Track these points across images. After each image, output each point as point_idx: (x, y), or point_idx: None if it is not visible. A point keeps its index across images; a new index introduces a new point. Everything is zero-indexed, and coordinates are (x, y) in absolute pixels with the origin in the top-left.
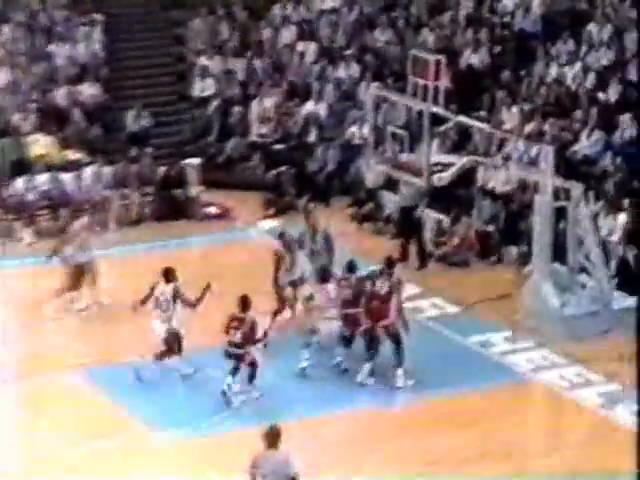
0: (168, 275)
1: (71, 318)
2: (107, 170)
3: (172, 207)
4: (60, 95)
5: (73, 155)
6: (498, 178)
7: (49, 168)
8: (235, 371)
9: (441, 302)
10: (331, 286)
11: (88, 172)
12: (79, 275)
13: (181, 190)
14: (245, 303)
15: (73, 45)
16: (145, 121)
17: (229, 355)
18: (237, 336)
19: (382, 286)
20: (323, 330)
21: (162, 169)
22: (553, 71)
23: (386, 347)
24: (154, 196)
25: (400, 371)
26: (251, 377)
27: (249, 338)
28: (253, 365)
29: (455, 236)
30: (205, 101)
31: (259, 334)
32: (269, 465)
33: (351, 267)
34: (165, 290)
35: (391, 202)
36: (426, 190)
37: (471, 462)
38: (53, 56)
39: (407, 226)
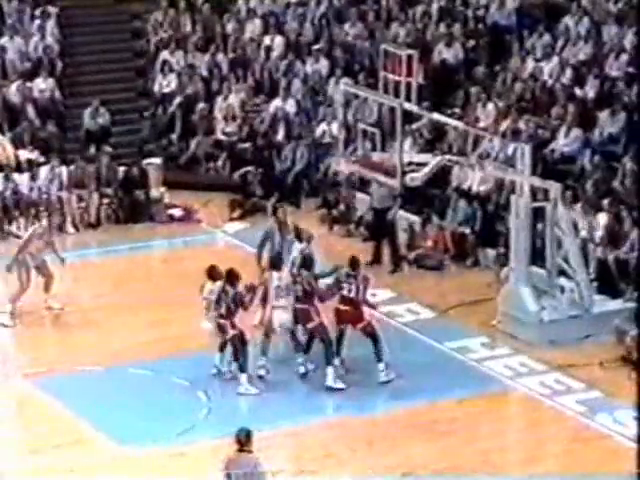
0: (213, 274)
1: (23, 325)
2: (63, 170)
3: (133, 209)
4: (12, 91)
5: (26, 154)
6: (474, 178)
7: (1, 168)
8: (222, 348)
9: (416, 307)
10: (277, 275)
11: (43, 172)
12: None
13: (142, 191)
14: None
15: (25, 38)
16: (103, 119)
17: (218, 326)
18: (222, 309)
19: (350, 289)
20: (275, 321)
21: (122, 169)
22: (529, 66)
23: (354, 346)
24: (113, 198)
25: (382, 365)
26: (235, 354)
27: (232, 312)
28: (236, 341)
29: (429, 238)
30: (167, 98)
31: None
32: (239, 468)
33: (305, 263)
34: (213, 289)
35: (362, 204)
36: (399, 191)
37: (448, 472)
38: (4, 50)
39: (380, 228)
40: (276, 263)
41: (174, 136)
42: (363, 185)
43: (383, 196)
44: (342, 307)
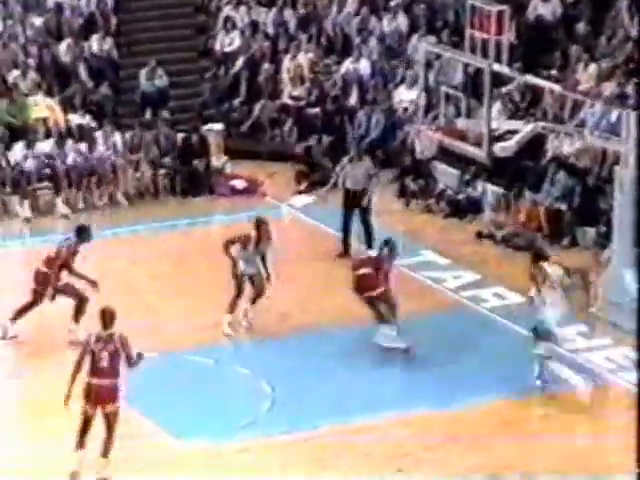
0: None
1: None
2: (117, 137)
3: (192, 180)
4: (63, 50)
5: (78, 119)
6: (572, 148)
7: (50, 134)
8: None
9: (504, 291)
10: None
11: (96, 139)
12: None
13: (202, 160)
14: None
15: None
16: (160, 80)
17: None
18: None
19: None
20: None
21: (180, 136)
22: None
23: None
24: (171, 167)
25: (385, 328)
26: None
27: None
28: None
29: (520, 214)
30: (229, 58)
31: None
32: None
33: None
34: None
35: (444, 176)
36: (486, 162)
37: (540, 474)
38: (54, 5)
39: (349, 215)
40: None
41: (237, 100)
42: (446, 156)
43: (357, 176)
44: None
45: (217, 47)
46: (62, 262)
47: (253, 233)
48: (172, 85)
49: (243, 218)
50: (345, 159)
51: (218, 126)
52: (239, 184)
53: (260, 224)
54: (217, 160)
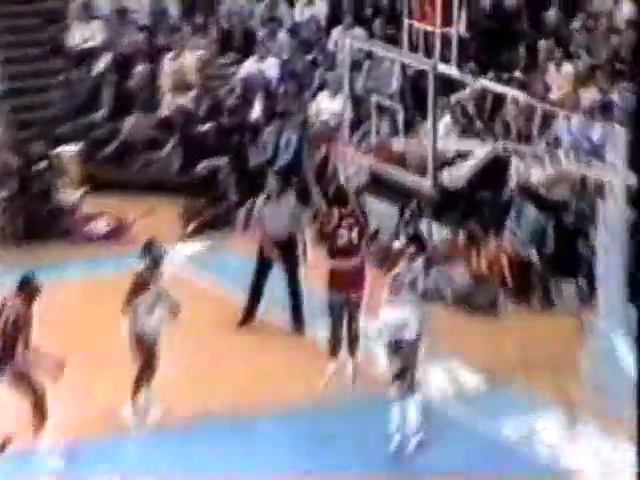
0: None
1: None
2: None
3: (35, 221)
4: None
5: None
6: (542, 175)
7: None
8: None
9: (458, 369)
10: None
11: None
12: None
13: (51, 194)
14: None
15: None
16: None
17: None
18: None
19: None
20: None
21: (21, 162)
22: (625, 9)
23: None
24: (9, 203)
25: None
26: None
27: None
28: None
29: (477, 264)
30: (89, 56)
31: None
32: None
33: None
34: None
35: (378, 213)
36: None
37: None
38: None
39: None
40: None
41: (99, 113)
42: (379, 186)
43: (278, 218)
44: None
45: (72, 41)
46: None
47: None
48: (11, 93)
49: (106, 273)
50: (261, 197)
51: (73, 147)
52: (101, 226)
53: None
54: (71, 194)
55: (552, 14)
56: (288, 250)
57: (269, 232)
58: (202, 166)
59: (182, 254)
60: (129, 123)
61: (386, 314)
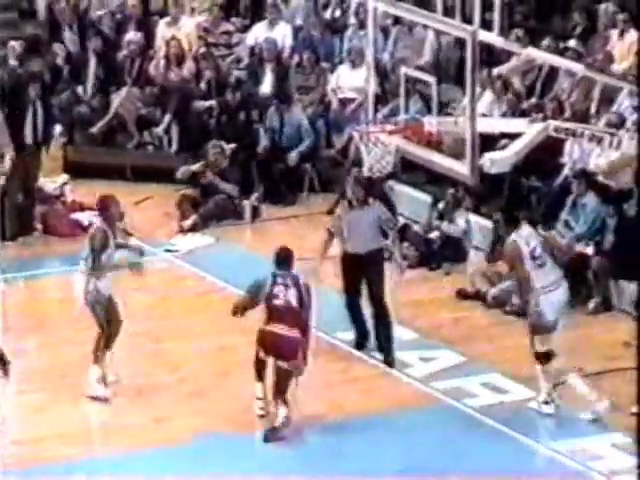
0: None
1: None
2: None
3: (11, 213)
4: None
5: None
6: (602, 160)
7: None
8: None
9: (499, 380)
10: None
11: None
12: None
13: (27, 182)
14: None
15: None
16: None
17: None
18: None
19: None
20: None
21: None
22: None
23: None
24: None
25: None
26: None
27: None
28: None
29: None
30: (65, 20)
31: None
32: None
33: None
34: None
35: (408, 203)
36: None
37: None
38: None
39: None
40: None
41: (83, 87)
42: (409, 172)
43: (360, 230)
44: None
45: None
46: None
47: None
48: None
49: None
50: (342, 204)
51: (56, 128)
52: (85, 217)
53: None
54: (50, 181)
55: None
56: (371, 267)
57: (348, 248)
58: (181, 171)
59: (181, 248)
60: (118, 98)
61: None
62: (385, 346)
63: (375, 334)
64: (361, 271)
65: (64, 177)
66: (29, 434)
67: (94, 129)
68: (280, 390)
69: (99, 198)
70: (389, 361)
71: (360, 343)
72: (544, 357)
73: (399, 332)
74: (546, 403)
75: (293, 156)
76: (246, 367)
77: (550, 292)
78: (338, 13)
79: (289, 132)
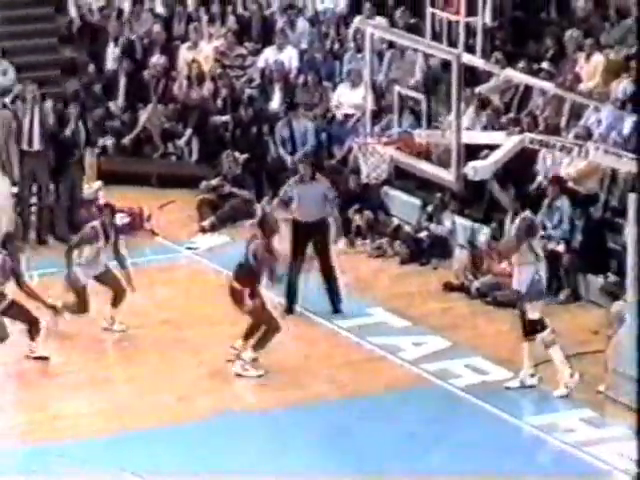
0: None
1: None
2: None
3: (64, 214)
4: None
5: None
6: (571, 168)
7: None
8: None
9: (482, 363)
10: None
11: None
12: None
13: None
14: None
15: None
16: (4, 78)
17: None
18: None
19: None
20: None
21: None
22: None
23: None
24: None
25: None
26: None
27: None
28: None
29: (502, 258)
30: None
31: None
32: None
33: None
34: None
35: (400, 208)
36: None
37: None
38: None
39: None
40: None
41: (116, 103)
42: (402, 179)
43: (309, 201)
44: None
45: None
46: None
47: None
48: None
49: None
50: (293, 179)
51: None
52: (118, 219)
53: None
54: (87, 186)
55: (581, 3)
56: (319, 233)
57: (300, 215)
58: (203, 186)
59: (201, 246)
60: (145, 114)
61: None
62: (335, 299)
63: (327, 292)
64: (308, 237)
65: (98, 184)
66: (69, 410)
67: (124, 141)
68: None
69: (104, 203)
70: (337, 310)
71: (290, 308)
72: (539, 325)
73: (393, 320)
74: (532, 376)
75: (297, 157)
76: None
77: (541, 263)
78: (337, 43)
79: (298, 140)
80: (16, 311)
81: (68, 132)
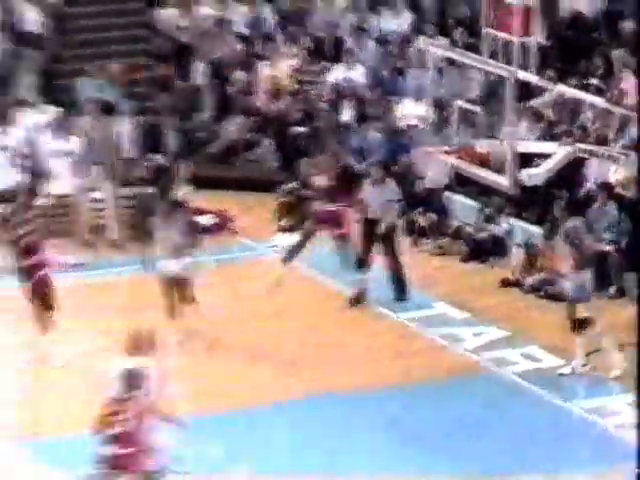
0: None
1: None
2: None
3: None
4: None
5: None
6: (618, 175)
7: None
8: None
9: (536, 351)
10: None
11: None
12: None
13: (168, 191)
14: None
15: None
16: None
17: None
18: None
19: None
20: None
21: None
22: None
23: None
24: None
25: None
26: None
27: None
28: None
29: (554, 257)
30: (186, 60)
31: None
32: None
33: None
34: None
35: (460, 210)
36: (512, 191)
37: None
38: None
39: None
40: None
41: (204, 115)
42: (462, 185)
43: (375, 201)
44: None
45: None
46: None
47: None
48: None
49: (209, 262)
50: (367, 181)
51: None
52: (206, 220)
53: None
54: (181, 190)
55: (628, 24)
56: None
57: (370, 213)
58: (281, 189)
59: (281, 245)
60: (230, 125)
61: None
62: (399, 288)
63: (393, 283)
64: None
65: (188, 187)
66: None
67: (211, 149)
68: None
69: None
70: (402, 299)
71: (358, 299)
72: (587, 322)
73: (454, 313)
74: (583, 366)
75: (364, 166)
76: (328, 342)
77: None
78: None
79: (368, 149)
80: (41, 287)
81: (162, 142)
